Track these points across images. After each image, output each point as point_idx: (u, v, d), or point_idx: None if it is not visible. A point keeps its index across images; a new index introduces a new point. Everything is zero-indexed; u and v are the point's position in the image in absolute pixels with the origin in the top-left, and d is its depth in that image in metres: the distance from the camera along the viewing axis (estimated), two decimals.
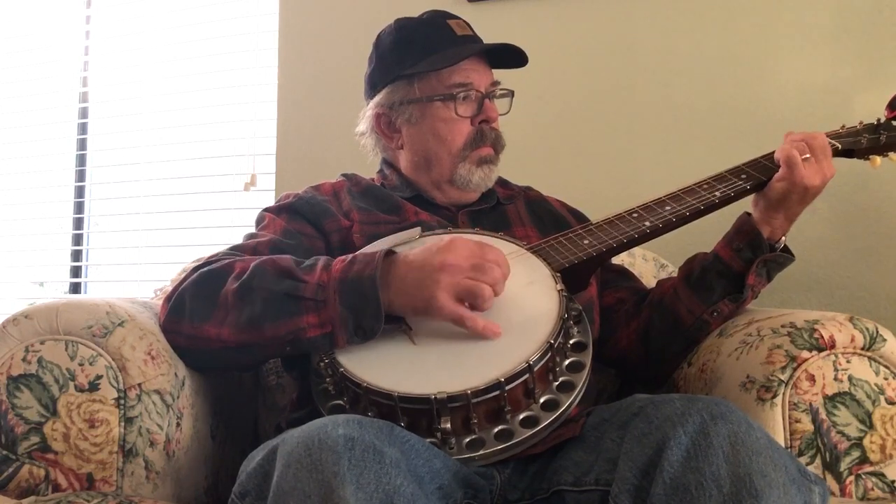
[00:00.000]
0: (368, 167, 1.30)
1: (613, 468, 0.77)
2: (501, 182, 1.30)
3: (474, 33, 1.20)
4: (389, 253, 0.92)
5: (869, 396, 0.93)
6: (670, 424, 0.72)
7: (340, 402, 0.90)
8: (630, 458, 0.74)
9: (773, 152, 1.10)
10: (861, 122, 1.18)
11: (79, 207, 2.39)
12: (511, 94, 1.21)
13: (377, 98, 1.21)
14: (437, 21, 1.18)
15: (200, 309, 0.95)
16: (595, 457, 0.82)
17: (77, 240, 2.39)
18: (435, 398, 0.81)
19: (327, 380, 0.92)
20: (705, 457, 0.69)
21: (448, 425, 0.82)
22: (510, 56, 1.19)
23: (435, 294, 0.87)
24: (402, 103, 1.18)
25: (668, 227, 1.06)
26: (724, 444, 0.69)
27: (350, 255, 0.93)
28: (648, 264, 1.50)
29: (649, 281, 1.37)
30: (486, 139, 1.17)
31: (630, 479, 0.73)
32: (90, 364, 0.90)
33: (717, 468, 0.68)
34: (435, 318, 0.89)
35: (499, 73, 1.21)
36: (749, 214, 1.11)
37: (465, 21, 1.19)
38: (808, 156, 1.05)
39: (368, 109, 1.23)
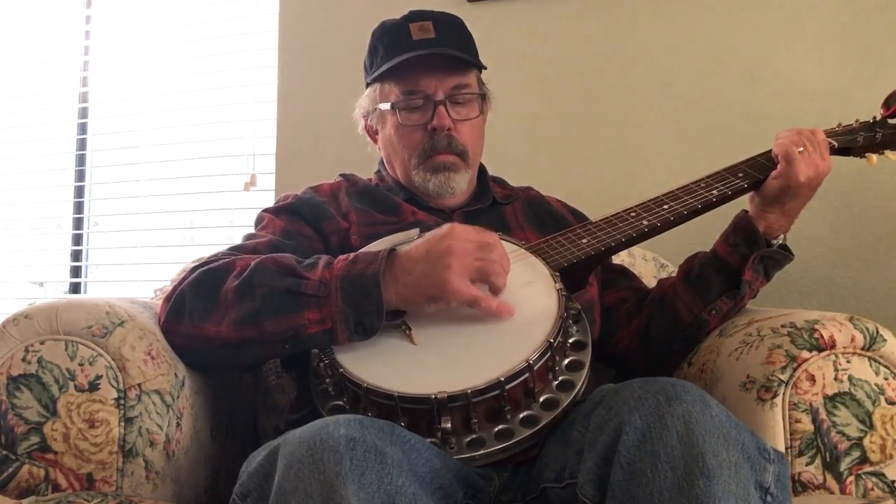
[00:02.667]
0: (368, 167, 1.30)
1: (581, 459, 0.77)
2: (499, 182, 1.30)
3: (438, 35, 1.15)
4: (392, 251, 0.92)
5: (869, 396, 0.93)
6: (627, 409, 0.72)
7: (340, 402, 0.90)
8: (592, 448, 0.75)
9: (770, 150, 1.10)
10: (857, 121, 1.18)
11: (79, 207, 2.38)
12: (479, 96, 1.18)
13: (360, 101, 1.24)
14: (401, 24, 1.17)
15: (200, 308, 0.95)
16: (568, 450, 0.82)
17: (77, 240, 2.39)
18: (435, 398, 0.82)
19: (327, 380, 0.92)
20: (660, 439, 0.69)
21: (448, 425, 0.82)
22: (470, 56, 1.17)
23: (447, 278, 0.87)
24: (373, 109, 1.21)
25: (667, 225, 1.06)
26: (678, 424, 0.69)
27: (352, 254, 0.93)
28: (648, 264, 1.50)
29: (649, 281, 1.37)
30: (436, 147, 1.14)
31: (593, 469, 0.74)
32: (90, 364, 0.90)
33: (672, 450, 0.68)
34: (451, 304, 0.89)
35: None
36: (746, 211, 1.11)
37: (433, 22, 1.15)
38: (802, 149, 1.05)
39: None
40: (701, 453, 0.67)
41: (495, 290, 0.91)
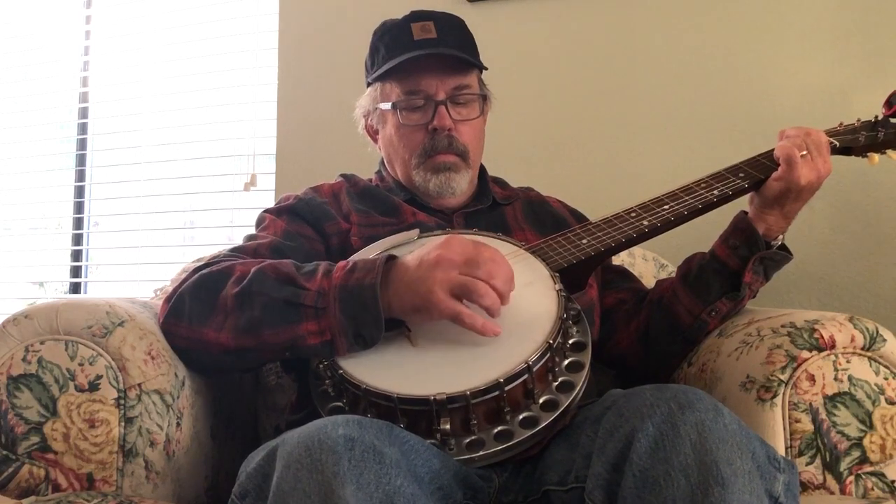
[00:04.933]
0: (368, 167, 1.30)
1: (589, 464, 0.76)
2: (500, 182, 1.30)
3: (440, 35, 1.15)
4: (390, 258, 0.91)
5: (869, 396, 0.93)
6: (638, 416, 0.72)
7: (340, 403, 0.90)
8: (602, 453, 0.74)
9: (771, 151, 1.10)
10: (859, 120, 1.18)
11: (79, 207, 2.39)
12: (480, 97, 1.18)
13: (360, 100, 1.24)
14: (403, 24, 1.17)
15: (199, 311, 0.95)
16: (574, 454, 0.82)
17: (77, 240, 2.39)
18: (434, 399, 0.81)
19: (326, 381, 0.92)
20: (673, 447, 0.69)
21: (448, 426, 0.82)
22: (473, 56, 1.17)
23: (432, 289, 0.85)
24: (373, 108, 1.21)
25: (667, 226, 1.06)
26: (691, 432, 0.69)
27: (351, 262, 0.93)
28: (648, 264, 1.50)
29: (649, 281, 1.37)
30: (437, 147, 1.14)
31: (602, 475, 0.73)
32: (90, 364, 0.90)
33: (685, 458, 0.68)
34: (434, 316, 0.87)
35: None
36: (745, 213, 1.11)
37: (435, 23, 1.15)
38: (805, 152, 1.05)
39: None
40: (715, 462, 0.67)
41: (489, 312, 0.87)
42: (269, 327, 0.90)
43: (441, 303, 0.85)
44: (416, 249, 0.92)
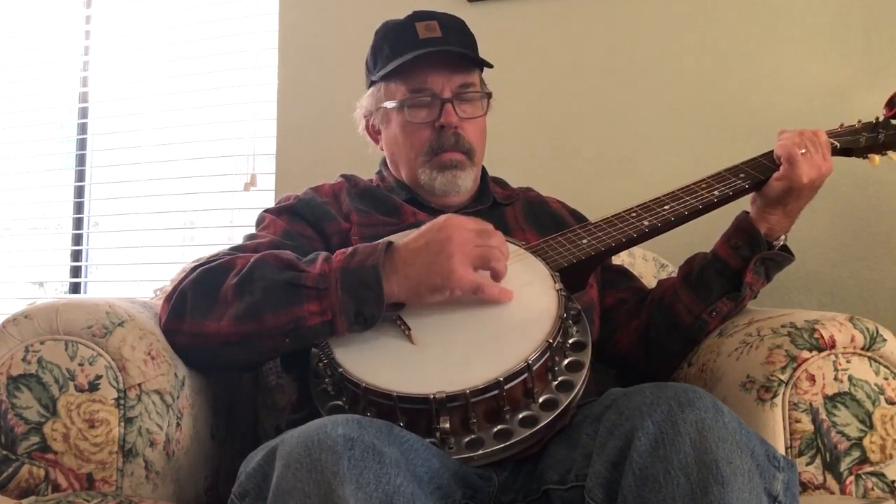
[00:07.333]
0: (368, 167, 1.30)
1: (590, 462, 0.77)
2: (500, 183, 1.30)
3: (444, 34, 1.15)
4: (390, 243, 0.92)
5: (869, 396, 0.93)
6: (639, 415, 0.73)
7: (339, 402, 0.90)
8: (602, 451, 0.75)
9: (771, 151, 1.10)
10: (860, 121, 1.18)
11: (79, 207, 2.39)
12: (484, 95, 1.19)
13: (361, 101, 1.24)
14: (407, 24, 1.17)
15: (201, 305, 0.95)
16: (574, 453, 0.82)
17: (77, 240, 2.39)
18: (434, 398, 0.81)
19: (326, 380, 0.92)
20: (672, 445, 0.69)
21: (447, 425, 0.82)
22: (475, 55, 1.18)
23: (452, 267, 0.88)
24: (376, 108, 1.21)
25: (667, 226, 1.06)
26: (691, 431, 0.69)
27: (351, 248, 0.94)
28: (648, 264, 1.50)
29: (649, 281, 1.37)
30: (443, 144, 1.14)
31: (602, 473, 0.74)
32: (90, 364, 0.90)
33: (685, 456, 0.68)
34: (455, 293, 0.89)
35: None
36: (748, 213, 1.11)
37: (438, 22, 1.16)
38: (804, 150, 1.05)
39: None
40: (715, 460, 0.67)
41: (496, 276, 0.92)
42: (271, 310, 0.90)
43: (464, 278, 0.88)
44: (410, 235, 0.93)
